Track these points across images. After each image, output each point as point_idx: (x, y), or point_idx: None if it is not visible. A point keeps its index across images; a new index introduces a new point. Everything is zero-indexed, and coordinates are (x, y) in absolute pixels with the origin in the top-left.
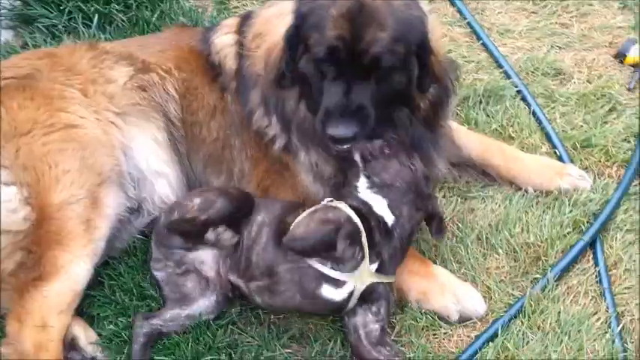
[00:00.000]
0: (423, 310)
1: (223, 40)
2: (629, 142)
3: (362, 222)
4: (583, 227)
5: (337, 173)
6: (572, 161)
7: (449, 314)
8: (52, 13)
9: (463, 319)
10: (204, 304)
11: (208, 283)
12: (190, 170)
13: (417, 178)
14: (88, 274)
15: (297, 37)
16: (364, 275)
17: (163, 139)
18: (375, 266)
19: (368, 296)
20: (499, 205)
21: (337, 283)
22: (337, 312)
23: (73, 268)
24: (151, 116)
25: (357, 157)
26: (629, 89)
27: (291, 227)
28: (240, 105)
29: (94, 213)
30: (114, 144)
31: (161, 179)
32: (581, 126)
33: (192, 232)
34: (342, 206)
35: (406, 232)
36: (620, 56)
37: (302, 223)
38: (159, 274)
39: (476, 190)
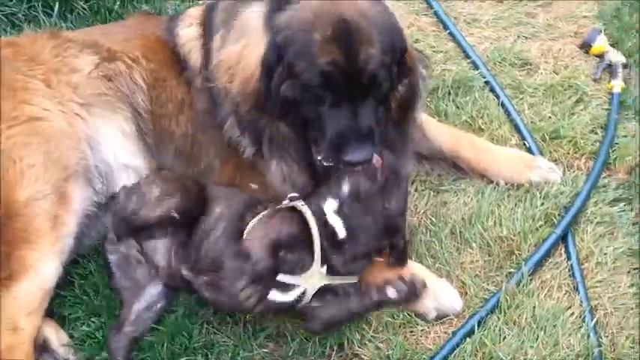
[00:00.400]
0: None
1: (187, 33)
2: (596, 133)
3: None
4: (555, 220)
5: (309, 183)
6: (541, 153)
7: (426, 312)
8: (11, 1)
9: (440, 317)
10: (153, 292)
11: (158, 271)
12: (158, 162)
13: (389, 217)
14: (57, 273)
15: (275, 66)
16: (315, 277)
17: (131, 130)
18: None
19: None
20: (471, 199)
21: (286, 287)
22: (288, 311)
23: (42, 267)
24: (118, 107)
25: (345, 186)
26: (594, 80)
27: (245, 233)
28: (206, 104)
29: (61, 209)
30: (79, 136)
31: (130, 172)
32: (550, 117)
33: (144, 227)
34: (304, 209)
35: (361, 249)
36: (586, 46)
37: (255, 236)
38: (112, 257)
39: (448, 183)
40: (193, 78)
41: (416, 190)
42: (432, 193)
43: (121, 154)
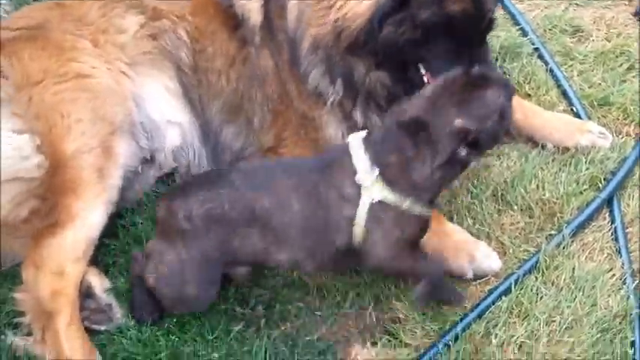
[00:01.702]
0: None
1: None
2: None
3: None
4: (600, 185)
5: None
6: (590, 119)
7: (463, 272)
8: None
9: (477, 275)
10: None
11: None
12: (203, 118)
13: None
14: (103, 222)
15: (394, 12)
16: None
17: (175, 87)
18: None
19: None
20: (514, 162)
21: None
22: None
23: (88, 216)
24: (162, 65)
25: None
26: None
27: None
28: (269, 59)
29: (107, 162)
30: (126, 94)
31: (174, 128)
32: (599, 84)
33: None
34: None
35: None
36: None
37: None
38: None
39: None
40: (252, 35)
41: None
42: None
43: (165, 111)
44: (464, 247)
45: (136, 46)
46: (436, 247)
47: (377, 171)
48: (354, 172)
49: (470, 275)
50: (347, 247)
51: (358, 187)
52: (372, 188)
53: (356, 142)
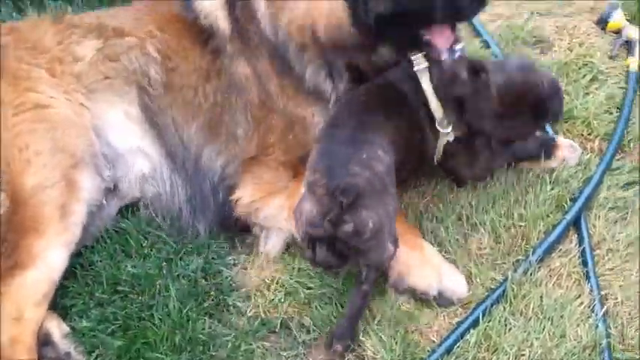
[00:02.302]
0: (399, 302)
1: (212, 4)
2: (611, 113)
3: None
4: (566, 205)
5: None
6: (556, 133)
7: (428, 288)
8: None
9: (442, 299)
10: None
11: None
12: (178, 142)
13: None
14: (65, 262)
15: None
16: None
17: (137, 112)
18: None
19: None
20: (479, 185)
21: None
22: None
23: (50, 256)
24: (122, 90)
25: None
26: (611, 57)
27: None
28: (247, 67)
29: (70, 197)
30: (86, 125)
31: (138, 156)
32: (564, 97)
33: None
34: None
35: None
36: (602, 23)
37: None
38: None
39: None
40: (224, 45)
41: (423, 173)
42: (439, 177)
43: (127, 138)
44: (433, 263)
45: (93, 73)
46: (405, 260)
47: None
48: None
49: (434, 293)
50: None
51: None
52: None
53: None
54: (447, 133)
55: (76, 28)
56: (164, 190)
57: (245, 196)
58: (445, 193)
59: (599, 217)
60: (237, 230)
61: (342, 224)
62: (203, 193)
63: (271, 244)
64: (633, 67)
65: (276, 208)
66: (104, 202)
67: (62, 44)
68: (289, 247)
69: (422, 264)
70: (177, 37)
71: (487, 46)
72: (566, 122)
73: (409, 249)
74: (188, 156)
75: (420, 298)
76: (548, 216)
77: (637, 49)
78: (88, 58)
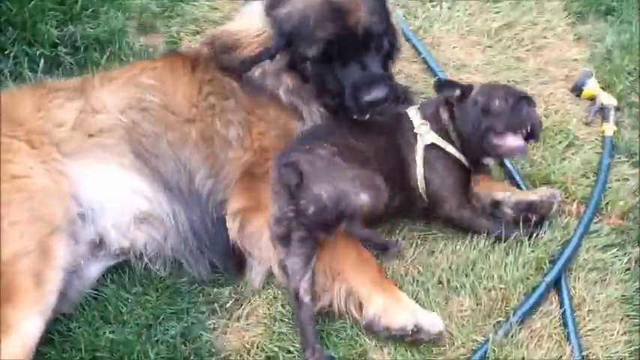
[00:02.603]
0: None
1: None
2: (587, 177)
3: None
4: (545, 268)
5: None
6: None
7: (405, 325)
8: None
9: (419, 334)
10: None
11: None
12: (173, 164)
13: None
14: (40, 331)
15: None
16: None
17: (130, 160)
18: None
19: None
20: (459, 247)
21: None
22: None
23: (24, 326)
24: (112, 143)
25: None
26: (586, 123)
27: None
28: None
29: (45, 265)
30: (63, 191)
31: (132, 198)
32: (541, 162)
33: None
34: None
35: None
36: (577, 90)
37: None
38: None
39: (436, 230)
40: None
41: (403, 238)
42: (419, 241)
43: (119, 187)
44: (408, 305)
45: (77, 137)
46: (382, 303)
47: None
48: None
49: (410, 327)
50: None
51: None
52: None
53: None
54: (424, 134)
55: (58, 91)
56: (168, 221)
57: (234, 203)
58: (425, 257)
59: (579, 278)
60: (234, 265)
61: (299, 206)
62: (202, 217)
63: (254, 273)
64: (608, 133)
65: (259, 226)
66: (82, 264)
67: (42, 111)
68: (269, 308)
69: (398, 305)
70: (168, 68)
71: None
72: (544, 186)
73: (385, 294)
74: (185, 178)
75: (395, 337)
76: (528, 278)
77: (611, 115)
78: (70, 122)
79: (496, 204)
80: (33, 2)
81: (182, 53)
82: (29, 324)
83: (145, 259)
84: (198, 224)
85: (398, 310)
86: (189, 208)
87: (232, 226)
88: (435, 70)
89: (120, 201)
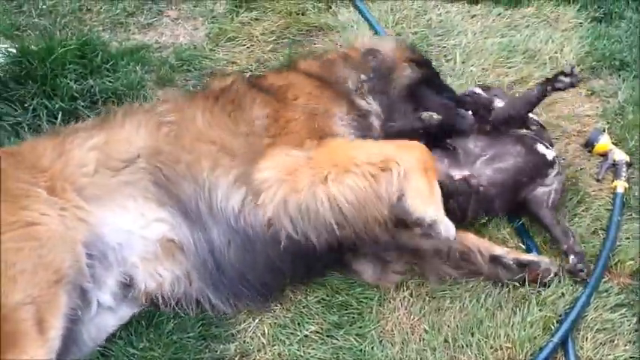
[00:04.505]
0: None
1: None
2: (598, 235)
3: None
4: (553, 327)
5: None
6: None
7: (424, 216)
8: (16, 111)
9: (431, 230)
10: None
11: None
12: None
13: None
14: None
15: None
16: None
17: (153, 191)
18: None
19: None
20: (466, 305)
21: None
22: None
23: None
24: (134, 179)
25: None
26: (597, 180)
27: None
28: None
29: (49, 313)
30: (77, 239)
31: (156, 225)
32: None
33: None
34: None
35: None
36: (589, 145)
37: None
38: None
39: (443, 287)
40: None
41: (411, 295)
42: (426, 298)
43: (144, 218)
44: (437, 201)
45: (100, 177)
46: (417, 185)
47: None
48: None
49: (428, 222)
50: None
51: None
52: None
53: None
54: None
55: (81, 131)
56: (187, 246)
57: (269, 169)
58: (432, 315)
59: (587, 338)
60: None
61: None
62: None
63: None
64: (620, 190)
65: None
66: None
67: (63, 156)
68: None
69: (429, 196)
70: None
71: None
72: (553, 245)
73: (426, 179)
74: (202, 195)
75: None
76: (535, 338)
77: (623, 171)
78: (92, 163)
79: (495, 259)
80: (54, 56)
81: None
82: None
83: (170, 299)
84: (220, 245)
85: (428, 200)
86: (209, 229)
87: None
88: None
89: (144, 230)
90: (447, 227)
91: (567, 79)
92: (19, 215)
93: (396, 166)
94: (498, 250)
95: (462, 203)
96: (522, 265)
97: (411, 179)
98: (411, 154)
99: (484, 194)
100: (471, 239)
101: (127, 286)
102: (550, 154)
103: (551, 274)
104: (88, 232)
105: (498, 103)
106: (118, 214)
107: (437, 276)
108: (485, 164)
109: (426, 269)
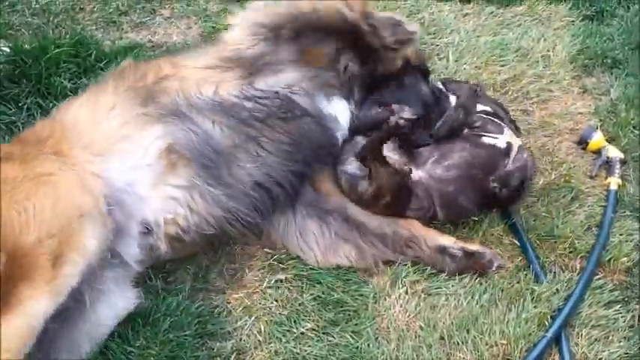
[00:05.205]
0: None
1: None
2: (591, 232)
3: None
4: (547, 324)
5: None
6: (537, 256)
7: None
8: (10, 110)
9: None
10: None
11: None
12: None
13: None
14: (48, 311)
15: None
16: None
17: (142, 109)
18: None
19: None
20: (461, 302)
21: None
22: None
23: (31, 304)
24: (121, 112)
25: None
26: (591, 177)
27: None
28: None
29: (67, 247)
30: (94, 185)
31: (153, 148)
32: (545, 216)
33: None
34: None
35: None
36: (583, 143)
37: None
38: None
39: (438, 284)
40: None
41: (406, 292)
42: (422, 295)
43: (144, 148)
44: None
45: (95, 127)
46: None
47: None
48: None
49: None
50: None
51: None
52: None
53: None
54: None
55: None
56: (183, 143)
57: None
58: (428, 312)
59: (582, 335)
60: None
61: None
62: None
63: None
64: (613, 187)
65: None
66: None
67: (58, 123)
68: None
69: None
70: None
71: None
72: (548, 241)
73: None
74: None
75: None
76: (530, 334)
77: (617, 168)
78: (84, 117)
79: (441, 249)
80: (48, 55)
81: None
82: (37, 303)
83: (190, 230)
84: (209, 130)
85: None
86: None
87: None
88: None
89: (145, 157)
90: (411, 25)
91: None
92: (29, 171)
93: None
94: (445, 241)
95: (423, 199)
96: (469, 255)
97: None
98: None
99: (444, 191)
100: (416, 227)
101: (148, 233)
102: (501, 140)
103: (494, 266)
104: (101, 184)
105: (452, 101)
106: (120, 158)
107: (373, 257)
108: (436, 164)
109: (366, 251)
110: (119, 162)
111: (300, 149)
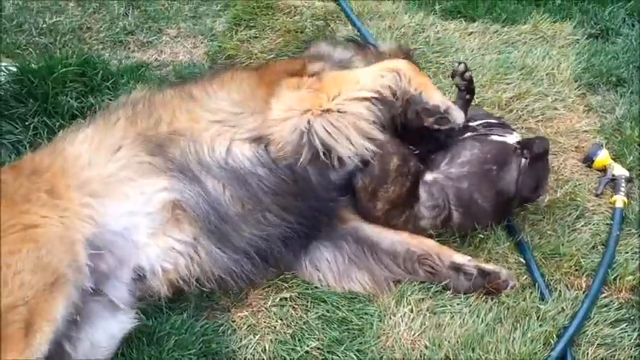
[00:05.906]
0: None
1: None
2: (597, 250)
3: None
4: (552, 342)
5: None
6: (542, 274)
7: (440, 104)
8: (17, 129)
9: (444, 119)
10: None
11: None
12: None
13: None
14: None
15: None
16: None
17: (149, 158)
18: None
19: None
20: (467, 321)
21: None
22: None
23: None
24: (126, 156)
25: None
26: (597, 195)
27: None
28: None
29: (39, 316)
30: (75, 238)
31: (156, 199)
32: (550, 234)
33: None
34: None
35: None
36: (588, 161)
37: None
38: None
39: (443, 302)
40: None
41: (411, 310)
42: (427, 314)
43: (146, 195)
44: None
45: (96, 167)
46: (421, 80)
47: None
48: None
49: (443, 108)
50: None
51: None
52: None
53: None
54: None
55: (68, 132)
56: (188, 202)
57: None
58: (433, 331)
59: (588, 354)
60: None
61: None
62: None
63: None
64: (619, 204)
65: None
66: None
67: (58, 156)
68: None
69: (436, 89)
70: None
71: None
72: (553, 259)
73: (425, 76)
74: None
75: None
76: (535, 353)
77: (623, 186)
78: (85, 154)
79: (456, 267)
80: (55, 74)
81: None
82: None
83: (190, 277)
84: (217, 195)
85: (436, 91)
86: (203, 180)
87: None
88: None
89: (147, 205)
90: (458, 113)
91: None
92: (18, 218)
93: (399, 71)
94: (460, 259)
95: (438, 197)
96: (484, 274)
97: (415, 77)
98: (401, 63)
99: (459, 188)
100: (429, 244)
101: (142, 278)
102: (511, 138)
103: (509, 286)
104: (92, 227)
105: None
106: (119, 201)
107: (385, 281)
108: (450, 164)
109: (379, 274)
110: (117, 205)
111: (308, 210)
